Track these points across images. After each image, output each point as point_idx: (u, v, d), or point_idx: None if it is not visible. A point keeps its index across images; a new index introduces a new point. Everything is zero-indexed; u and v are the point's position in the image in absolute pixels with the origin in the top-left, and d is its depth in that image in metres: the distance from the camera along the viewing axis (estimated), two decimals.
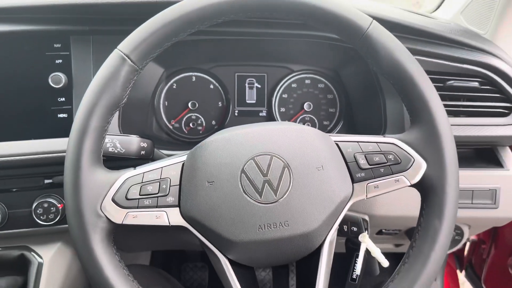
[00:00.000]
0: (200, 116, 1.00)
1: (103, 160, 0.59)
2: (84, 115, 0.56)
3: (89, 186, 0.56)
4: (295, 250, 0.58)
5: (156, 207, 0.58)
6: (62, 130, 0.79)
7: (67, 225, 0.82)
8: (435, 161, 0.58)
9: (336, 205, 0.57)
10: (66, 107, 0.79)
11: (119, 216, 0.56)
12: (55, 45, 0.78)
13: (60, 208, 0.80)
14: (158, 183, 0.58)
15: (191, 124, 0.99)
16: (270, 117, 1.01)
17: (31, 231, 0.82)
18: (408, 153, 0.59)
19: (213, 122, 1.01)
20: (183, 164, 0.60)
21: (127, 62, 0.57)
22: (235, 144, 0.59)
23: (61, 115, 0.79)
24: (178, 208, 0.58)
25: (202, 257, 1.48)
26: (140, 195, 0.57)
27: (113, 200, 0.56)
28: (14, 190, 0.80)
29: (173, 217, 0.58)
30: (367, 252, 0.76)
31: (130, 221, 0.57)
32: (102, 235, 0.56)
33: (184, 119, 1.00)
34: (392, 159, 0.59)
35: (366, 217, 0.80)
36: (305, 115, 1.00)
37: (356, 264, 0.81)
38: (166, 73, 0.98)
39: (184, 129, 1.00)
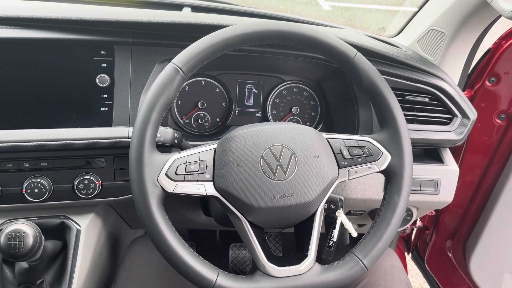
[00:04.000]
0: (207, 114, 1.20)
1: None
2: (147, 110, 0.75)
3: (149, 164, 0.75)
4: (297, 215, 0.80)
5: (197, 181, 0.78)
6: (104, 120, 0.97)
7: (101, 199, 1.01)
8: (397, 154, 0.82)
9: (327, 183, 0.80)
10: (107, 103, 0.97)
11: (171, 186, 0.76)
12: (101, 52, 0.96)
13: (98, 184, 0.98)
14: (198, 163, 0.79)
15: (199, 120, 1.19)
16: (264, 117, 1.22)
17: (71, 203, 0.99)
18: (378, 148, 0.83)
19: (217, 120, 1.21)
20: (215, 150, 0.81)
21: (179, 73, 0.77)
22: (256, 137, 0.80)
23: (103, 109, 0.97)
24: (212, 183, 0.79)
25: (190, 235, 1.68)
26: (185, 172, 0.78)
27: (166, 174, 0.76)
28: (59, 168, 0.97)
29: (208, 189, 0.78)
30: (341, 225, 1.00)
31: (178, 190, 0.77)
32: (158, 200, 0.75)
33: (194, 116, 1.19)
34: (367, 152, 0.83)
35: (342, 197, 1.03)
36: (292, 117, 1.23)
37: (332, 235, 1.05)
38: None
39: (193, 124, 1.19)
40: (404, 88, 1.07)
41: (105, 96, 0.97)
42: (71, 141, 0.94)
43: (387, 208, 0.82)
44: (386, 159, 0.82)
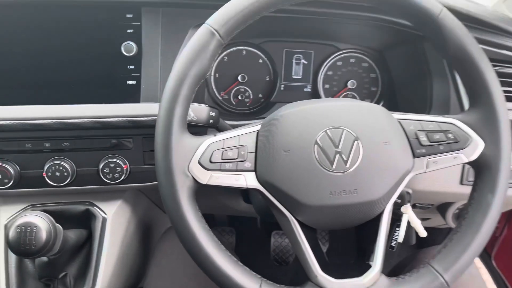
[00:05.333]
0: (248, 89, 1.05)
1: None
2: (175, 84, 0.61)
3: (178, 149, 0.61)
4: (359, 216, 0.65)
5: (236, 170, 0.64)
6: (130, 96, 0.84)
7: (129, 185, 0.89)
8: (492, 141, 0.64)
9: (399, 177, 0.64)
10: (135, 75, 0.84)
11: (204, 177, 0.62)
12: (127, 15, 0.83)
13: (125, 168, 0.86)
14: (237, 149, 0.64)
15: (239, 96, 1.04)
16: (314, 93, 1.06)
17: (96, 188, 0.88)
18: (466, 133, 0.65)
19: (260, 95, 1.06)
20: (257, 133, 0.66)
21: (215, 37, 0.62)
22: (309, 118, 0.64)
23: (130, 82, 0.84)
24: (254, 173, 0.64)
25: (230, 221, 1.56)
26: (222, 159, 0.63)
27: (199, 162, 0.62)
28: (82, 150, 0.86)
29: (249, 180, 0.64)
30: (407, 222, 0.83)
31: (213, 181, 0.63)
32: (189, 193, 0.62)
33: (233, 91, 1.04)
34: (452, 137, 0.65)
35: (410, 191, 0.86)
36: (348, 92, 1.05)
37: (395, 233, 0.88)
38: None
39: (233, 101, 1.05)
40: (496, 57, 0.86)
41: (132, 67, 0.84)
42: (94, 119, 0.82)
43: (476, 209, 0.64)
44: (477, 147, 0.64)
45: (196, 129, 0.77)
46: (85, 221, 0.90)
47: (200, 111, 0.76)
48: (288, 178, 0.62)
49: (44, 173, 0.84)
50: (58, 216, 0.86)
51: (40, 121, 0.80)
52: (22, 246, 0.64)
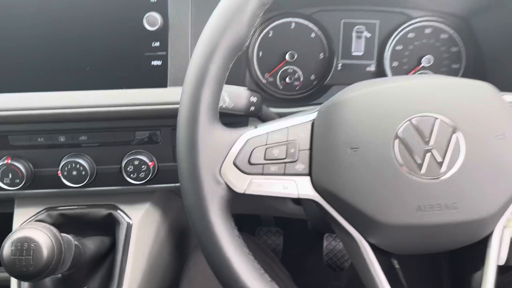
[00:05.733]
0: (298, 70, 0.87)
1: None
2: (203, 59, 0.45)
3: (208, 146, 0.46)
4: (459, 238, 0.46)
5: (284, 174, 0.47)
6: (156, 79, 0.70)
7: (157, 185, 0.75)
8: None
9: None
10: (160, 53, 0.69)
11: (242, 183, 0.47)
12: None
13: (151, 166, 0.72)
14: (285, 146, 0.48)
15: (287, 79, 0.87)
16: (379, 72, 0.87)
17: (119, 189, 0.76)
18: None
19: (312, 77, 0.88)
20: (313, 124, 0.49)
21: None
22: (386, 102, 0.47)
23: (155, 63, 0.70)
24: (309, 177, 0.47)
25: (276, 221, 1.41)
26: (265, 159, 0.47)
27: (234, 164, 0.47)
28: (102, 144, 0.73)
29: (302, 188, 0.47)
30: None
31: (254, 190, 0.47)
32: (221, 205, 0.46)
33: (280, 72, 0.87)
34: None
35: None
36: (422, 71, 0.85)
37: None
38: (261, 19, 0.85)
39: (279, 84, 0.88)
40: None
41: (157, 44, 0.69)
42: (113, 108, 0.68)
43: None
44: None
45: (233, 119, 0.61)
46: (108, 227, 0.77)
47: (237, 96, 0.60)
48: (356, 186, 0.45)
49: (59, 171, 0.72)
50: (78, 222, 0.75)
51: (51, 111, 0.67)
52: (18, 267, 0.51)
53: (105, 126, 0.71)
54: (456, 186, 0.44)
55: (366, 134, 0.46)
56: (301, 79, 0.88)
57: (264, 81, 0.88)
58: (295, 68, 0.87)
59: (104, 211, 0.76)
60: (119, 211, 0.76)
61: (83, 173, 0.71)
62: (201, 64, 0.46)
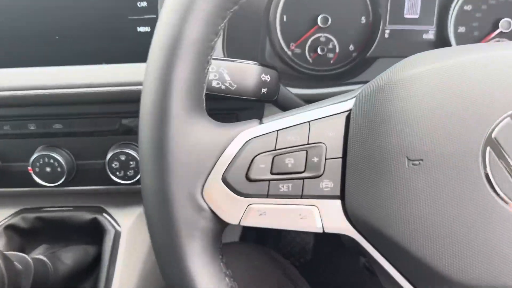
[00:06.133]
0: (333, 38, 0.69)
1: None
2: (176, 17, 0.29)
3: (183, 151, 0.30)
4: None
5: (301, 197, 0.31)
6: (143, 51, 0.53)
7: None
8: None
9: None
10: (148, 17, 0.53)
11: (236, 210, 0.31)
12: None
13: None
14: (305, 152, 0.31)
15: (318, 50, 0.69)
16: (440, 42, 0.67)
17: (105, 189, 0.61)
18: None
19: (351, 47, 0.69)
20: (348, 118, 0.31)
21: None
22: (469, 84, 0.28)
23: (141, 29, 0.53)
24: (340, 201, 0.30)
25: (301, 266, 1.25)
26: (272, 173, 0.30)
27: (224, 180, 0.30)
28: (81, 134, 0.58)
29: (329, 217, 0.31)
30: None
31: (253, 221, 0.31)
32: (205, 244, 0.30)
33: (309, 41, 0.69)
34: None
35: None
36: (499, 39, 0.64)
37: None
38: None
39: (308, 57, 0.70)
40: None
41: (144, 4, 0.53)
42: (91, 89, 0.53)
43: None
44: None
45: (239, 105, 0.44)
46: (95, 233, 0.63)
47: (242, 74, 0.43)
48: (419, 223, 0.28)
49: (30, 167, 0.58)
50: (58, 227, 0.62)
51: (12, 92, 0.53)
52: None
53: (83, 111, 0.57)
54: None
55: (436, 138, 0.28)
56: (337, 50, 0.69)
57: (289, 52, 0.70)
58: (329, 36, 0.69)
59: (88, 215, 0.62)
60: (106, 215, 0.62)
61: (59, 169, 0.58)
62: (172, 25, 0.29)
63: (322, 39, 0.69)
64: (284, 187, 0.31)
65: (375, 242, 0.30)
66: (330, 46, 0.69)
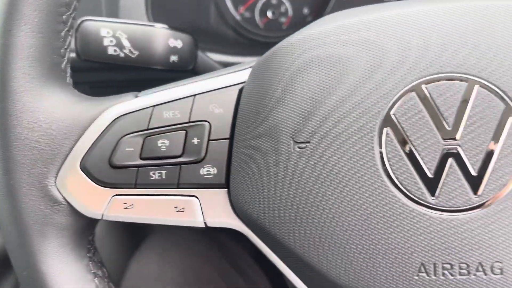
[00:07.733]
0: (285, 1, 0.63)
1: (87, 73, 0.28)
2: None
3: (29, 132, 0.25)
4: None
5: (177, 186, 0.26)
6: None
7: None
8: None
9: None
10: None
11: (97, 202, 0.26)
12: None
13: None
14: (184, 132, 0.26)
15: (269, 14, 0.63)
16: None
17: None
18: None
19: (305, 11, 0.64)
20: (240, 92, 0.26)
21: None
22: (369, 49, 0.23)
23: None
24: (225, 191, 0.26)
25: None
26: (142, 158, 0.26)
27: (83, 166, 0.26)
28: None
29: (212, 210, 0.26)
30: None
31: (120, 214, 0.26)
32: (63, 242, 0.26)
33: (260, 4, 0.63)
34: None
35: None
36: None
37: None
38: None
39: (259, 22, 0.64)
40: None
41: None
42: None
43: None
44: None
45: (149, 73, 0.39)
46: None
47: (147, 38, 0.37)
48: (302, 217, 0.23)
49: None
50: None
51: None
52: None
53: None
54: (504, 228, 0.21)
55: (326, 115, 0.23)
56: (290, 13, 0.63)
57: (237, 17, 0.64)
58: None
59: None
60: None
61: None
62: None
63: (274, 1, 0.63)
64: (156, 175, 0.26)
65: (264, 237, 0.26)
66: (282, 9, 0.63)
